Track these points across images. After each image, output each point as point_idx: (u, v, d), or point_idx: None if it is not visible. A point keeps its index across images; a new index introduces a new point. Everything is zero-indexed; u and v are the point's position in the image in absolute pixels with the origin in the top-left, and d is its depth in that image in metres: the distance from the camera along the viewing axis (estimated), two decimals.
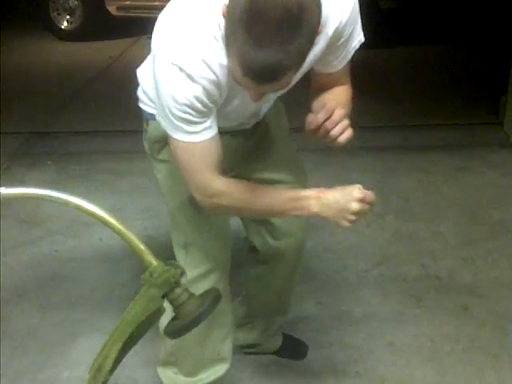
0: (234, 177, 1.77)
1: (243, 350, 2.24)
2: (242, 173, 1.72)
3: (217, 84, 1.34)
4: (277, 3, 1.12)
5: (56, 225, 3.16)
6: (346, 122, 1.40)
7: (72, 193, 3.90)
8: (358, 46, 1.52)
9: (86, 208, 1.21)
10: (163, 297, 1.20)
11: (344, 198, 1.39)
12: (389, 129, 4.34)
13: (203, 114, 1.37)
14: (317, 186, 1.47)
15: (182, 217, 1.74)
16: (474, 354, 2.26)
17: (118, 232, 1.19)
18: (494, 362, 2.21)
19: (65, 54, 6.76)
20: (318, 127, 1.38)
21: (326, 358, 2.26)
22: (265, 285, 2.06)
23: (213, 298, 1.26)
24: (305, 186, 1.92)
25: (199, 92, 1.32)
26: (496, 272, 2.72)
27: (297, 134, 1.81)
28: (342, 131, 1.39)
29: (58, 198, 1.21)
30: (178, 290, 1.21)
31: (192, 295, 1.22)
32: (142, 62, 1.66)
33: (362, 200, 1.38)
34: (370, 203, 1.40)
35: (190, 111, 1.34)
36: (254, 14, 1.13)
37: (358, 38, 1.50)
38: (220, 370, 1.90)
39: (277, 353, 2.27)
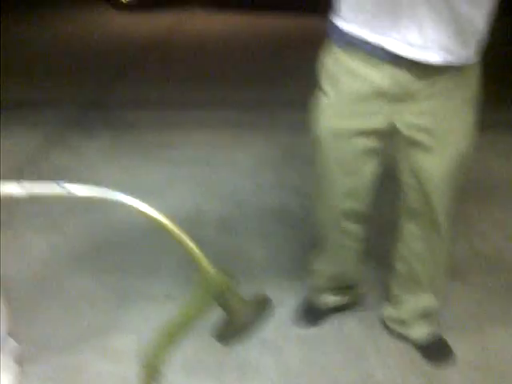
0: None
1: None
2: (393, 118, 1.68)
3: None
4: None
5: None
6: None
7: (127, 164, 3.84)
8: None
9: (150, 215, 1.25)
10: (215, 301, 1.26)
11: None
12: None
13: None
14: None
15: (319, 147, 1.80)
16: None
17: (177, 239, 1.24)
18: None
19: (122, 25, 6.82)
20: None
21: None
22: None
23: (264, 305, 1.30)
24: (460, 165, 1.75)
25: None
26: None
27: None
28: None
29: (124, 203, 1.28)
30: (230, 298, 1.26)
31: (244, 303, 1.27)
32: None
33: None
34: None
35: None
36: None
37: None
38: None
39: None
